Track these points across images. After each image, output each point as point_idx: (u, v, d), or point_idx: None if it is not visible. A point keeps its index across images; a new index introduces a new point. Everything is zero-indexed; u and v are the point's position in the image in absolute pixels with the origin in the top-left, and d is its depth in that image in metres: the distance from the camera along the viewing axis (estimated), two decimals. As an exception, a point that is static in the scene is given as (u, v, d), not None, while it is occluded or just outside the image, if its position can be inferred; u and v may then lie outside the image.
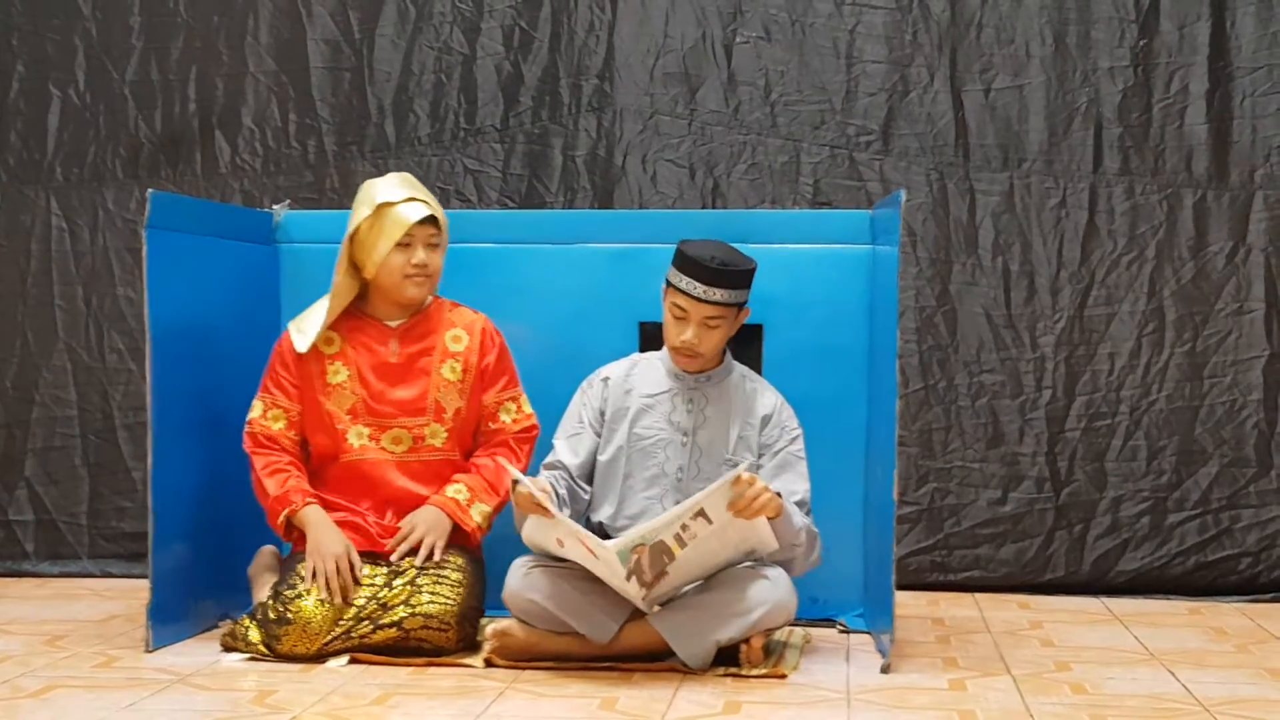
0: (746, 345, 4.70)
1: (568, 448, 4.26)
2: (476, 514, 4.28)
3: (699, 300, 4.07)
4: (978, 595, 5.18)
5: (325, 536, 4.17)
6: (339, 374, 4.34)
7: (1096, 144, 5.29)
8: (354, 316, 4.39)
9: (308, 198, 5.46)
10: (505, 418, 4.41)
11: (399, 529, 4.26)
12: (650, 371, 4.29)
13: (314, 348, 4.33)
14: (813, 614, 4.62)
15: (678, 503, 4.07)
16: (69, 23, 5.62)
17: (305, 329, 4.36)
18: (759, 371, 4.59)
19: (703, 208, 5.32)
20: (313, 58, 5.55)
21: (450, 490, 4.30)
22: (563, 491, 4.14)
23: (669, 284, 4.13)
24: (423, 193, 4.34)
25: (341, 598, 4.09)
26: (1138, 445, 5.27)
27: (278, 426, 4.34)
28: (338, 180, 5.50)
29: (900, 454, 4.19)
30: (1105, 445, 5.28)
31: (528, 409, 4.45)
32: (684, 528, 3.82)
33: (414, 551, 4.19)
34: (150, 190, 4.25)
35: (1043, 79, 5.30)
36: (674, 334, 4.14)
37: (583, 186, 5.42)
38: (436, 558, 4.18)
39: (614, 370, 4.32)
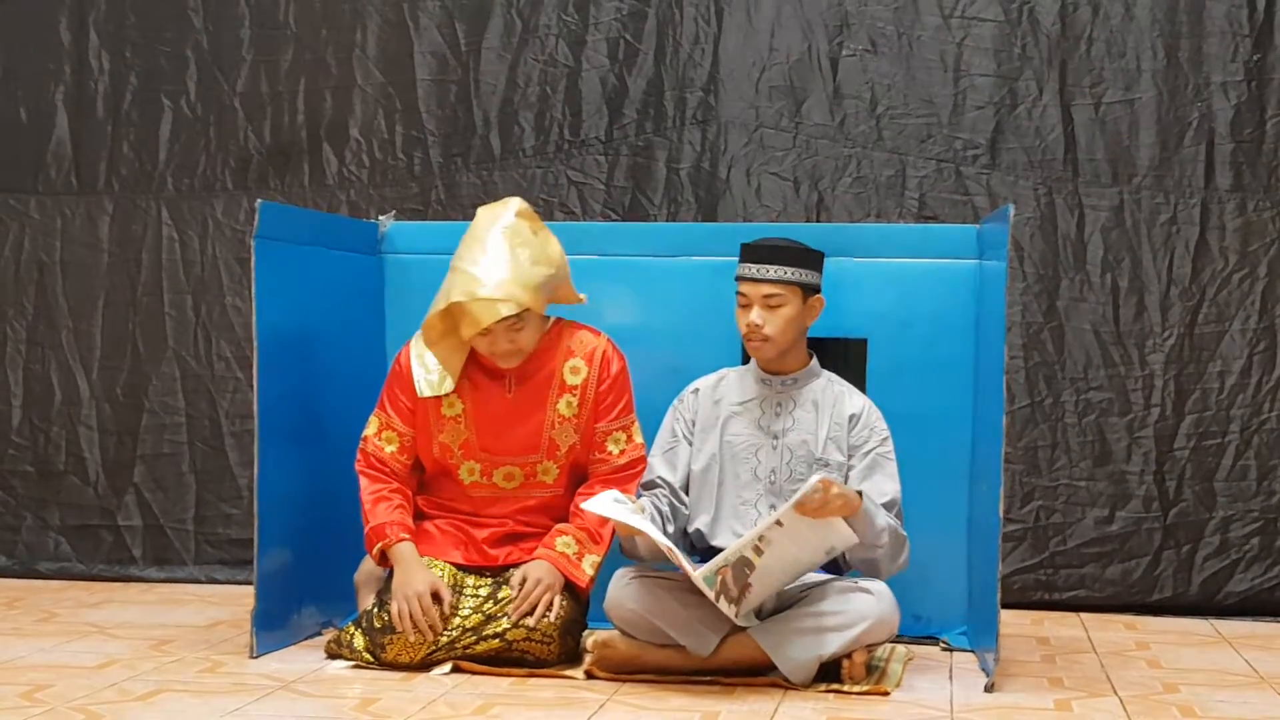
0: (851, 359, 4.69)
1: (664, 463, 4.29)
2: (588, 566, 4.23)
3: (756, 280, 4.14)
4: (1083, 615, 5.11)
5: (411, 575, 4.13)
6: (453, 406, 4.28)
7: (1208, 160, 5.22)
8: (472, 349, 4.28)
9: (413, 209, 5.50)
10: (612, 448, 4.31)
11: (511, 575, 4.20)
12: (739, 381, 4.33)
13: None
14: (915, 631, 4.59)
15: (772, 506, 4.13)
16: (181, 35, 5.71)
17: (430, 366, 4.26)
18: (863, 387, 4.56)
19: (807, 221, 5.30)
20: (419, 70, 5.59)
21: (559, 544, 4.22)
22: (664, 509, 4.18)
23: (735, 281, 4.22)
24: (505, 267, 4.10)
25: (431, 634, 4.08)
26: (1248, 465, 5.19)
27: (390, 450, 4.30)
28: (443, 192, 5.54)
29: (1005, 471, 4.14)
30: (1215, 464, 5.20)
31: (638, 438, 4.34)
32: (761, 538, 3.83)
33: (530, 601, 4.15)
34: (259, 201, 4.30)
35: (1154, 93, 5.23)
36: (742, 323, 4.20)
37: (686, 199, 5.41)
38: (554, 613, 4.13)
39: (703, 382, 4.36)
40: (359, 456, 4.33)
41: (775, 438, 4.24)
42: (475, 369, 4.30)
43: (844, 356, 4.68)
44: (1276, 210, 5.19)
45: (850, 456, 4.19)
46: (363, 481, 4.30)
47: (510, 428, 4.28)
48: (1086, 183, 5.25)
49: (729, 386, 4.32)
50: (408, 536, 4.22)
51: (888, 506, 4.08)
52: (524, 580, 4.15)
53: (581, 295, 4.39)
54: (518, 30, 5.53)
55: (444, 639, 4.09)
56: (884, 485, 4.13)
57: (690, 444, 4.29)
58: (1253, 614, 5.11)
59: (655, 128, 5.45)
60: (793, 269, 4.14)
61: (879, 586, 4.03)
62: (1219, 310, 5.21)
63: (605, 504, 3.92)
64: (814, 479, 3.79)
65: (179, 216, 5.69)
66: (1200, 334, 5.21)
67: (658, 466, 4.29)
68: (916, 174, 5.30)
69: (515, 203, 4.27)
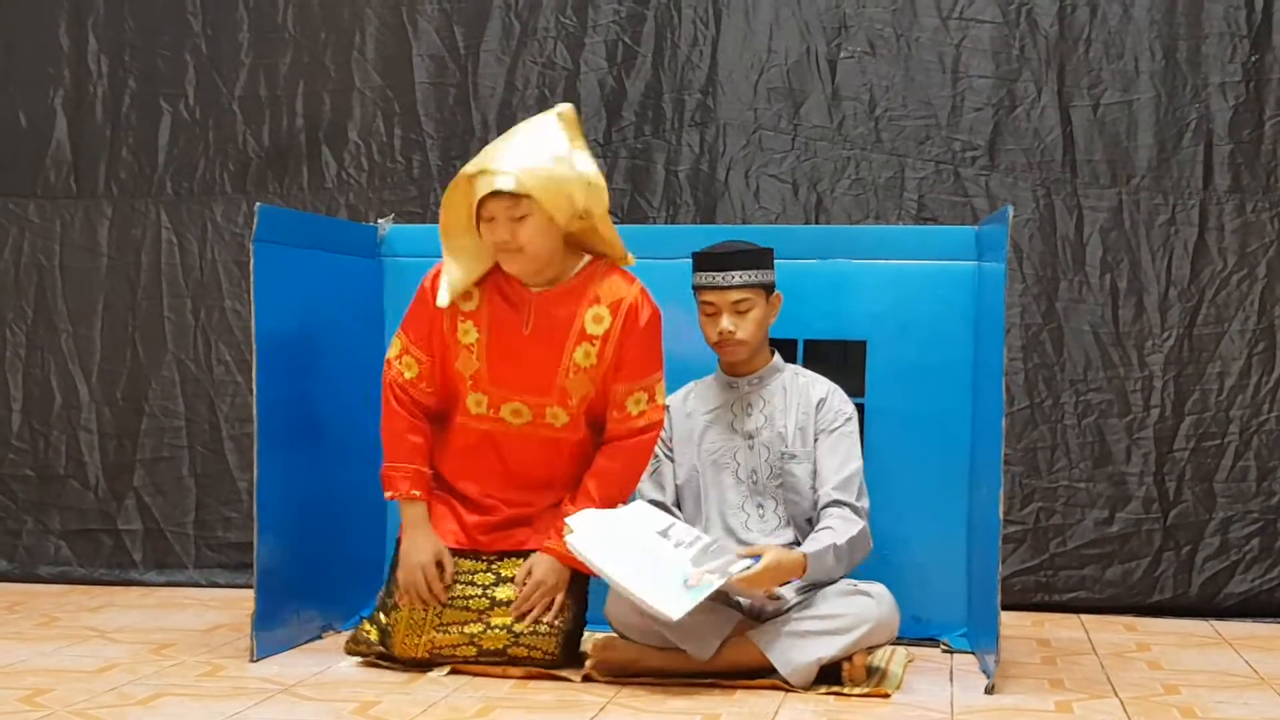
0: (850, 361, 4.69)
1: (653, 486, 4.33)
2: None
3: (722, 288, 4.18)
4: (1083, 616, 5.11)
5: (415, 544, 4.12)
6: (469, 334, 4.15)
7: (1206, 160, 5.22)
8: (499, 272, 4.16)
9: (412, 212, 5.50)
10: (632, 408, 4.18)
11: (517, 572, 4.16)
12: (706, 391, 4.37)
13: (452, 302, 4.13)
14: (915, 633, 4.58)
15: (759, 505, 4.23)
16: (179, 39, 5.71)
17: (455, 277, 4.13)
18: (862, 389, 4.57)
19: (806, 223, 5.30)
20: (418, 73, 5.59)
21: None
22: None
23: (694, 290, 4.25)
24: (519, 151, 4.01)
25: (435, 601, 4.09)
26: (1247, 466, 5.19)
27: (410, 375, 4.17)
28: (441, 195, 5.50)
29: (1005, 473, 4.14)
30: (1214, 465, 5.20)
31: (660, 399, 4.22)
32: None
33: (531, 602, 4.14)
34: (258, 204, 4.31)
35: (1152, 94, 5.23)
36: (711, 331, 4.23)
37: (685, 201, 5.42)
38: (554, 614, 4.11)
39: (673, 399, 4.38)
40: (384, 375, 4.21)
41: (750, 437, 4.27)
42: (497, 296, 4.17)
43: (843, 358, 4.68)
44: (1275, 211, 5.19)
45: (815, 438, 4.23)
46: (385, 407, 4.19)
47: (522, 365, 4.15)
48: (1085, 184, 5.25)
49: (697, 398, 4.36)
50: (419, 494, 4.16)
51: (848, 480, 4.15)
52: (528, 575, 4.14)
53: (630, 256, 4.25)
54: (516, 33, 5.53)
55: (443, 637, 4.09)
56: (845, 462, 4.18)
57: (672, 461, 4.33)
58: (1253, 615, 5.11)
59: (654, 130, 5.45)
60: (756, 271, 4.20)
61: (879, 589, 4.04)
62: (1218, 311, 5.21)
63: (583, 540, 3.98)
64: (740, 565, 3.90)
65: (178, 220, 5.69)
66: (1199, 335, 5.21)
67: (647, 490, 4.31)
68: (915, 175, 5.30)
69: (561, 106, 4.15)
